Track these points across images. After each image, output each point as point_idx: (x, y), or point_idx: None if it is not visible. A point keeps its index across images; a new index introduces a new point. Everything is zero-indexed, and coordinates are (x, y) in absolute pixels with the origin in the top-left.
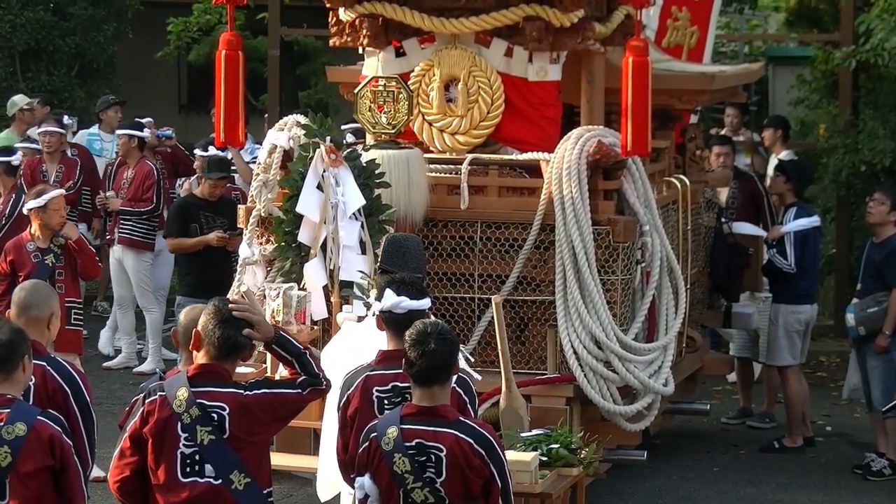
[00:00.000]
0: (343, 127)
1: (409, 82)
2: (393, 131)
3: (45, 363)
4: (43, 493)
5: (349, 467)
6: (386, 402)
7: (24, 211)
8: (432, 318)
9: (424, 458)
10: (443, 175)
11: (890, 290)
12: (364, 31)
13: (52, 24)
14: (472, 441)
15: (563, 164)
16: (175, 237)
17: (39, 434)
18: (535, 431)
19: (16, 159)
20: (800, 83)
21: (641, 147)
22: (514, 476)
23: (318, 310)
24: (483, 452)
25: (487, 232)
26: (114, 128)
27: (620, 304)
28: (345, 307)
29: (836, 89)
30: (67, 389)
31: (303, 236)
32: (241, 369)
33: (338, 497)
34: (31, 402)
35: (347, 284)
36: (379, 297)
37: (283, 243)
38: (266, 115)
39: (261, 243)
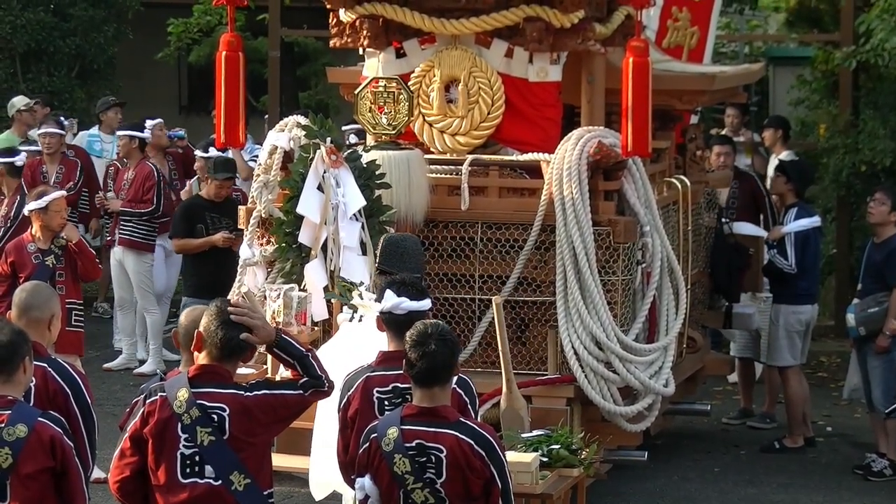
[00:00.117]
0: (345, 128)
1: (409, 83)
2: (393, 132)
3: (45, 364)
4: (44, 494)
5: (350, 468)
6: (386, 403)
7: (25, 212)
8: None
9: (425, 459)
10: (443, 176)
11: (890, 290)
12: (364, 32)
13: (52, 25)
14: (472, 442)
15: (563, 164)
16: (181, 238)
17: (40, 435)
18: (535, 432)
19: (19, 160)
20: (800, 83)
21: (642, 147)
22: (515, 477)
23: (318, 311)
24: (483, 453)
25: (488, 233)
26: (114, 129)
27: (621, 304)
28: (345, 308)
29: (836, 89)
30: (68, 391)
31: (303, 237)
32: (241, 370)
33: (332, 496)
34: (31, 404)
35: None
36: (379, 299)
37: (283, 244)
38: (266, 116)
39: (261, 244)
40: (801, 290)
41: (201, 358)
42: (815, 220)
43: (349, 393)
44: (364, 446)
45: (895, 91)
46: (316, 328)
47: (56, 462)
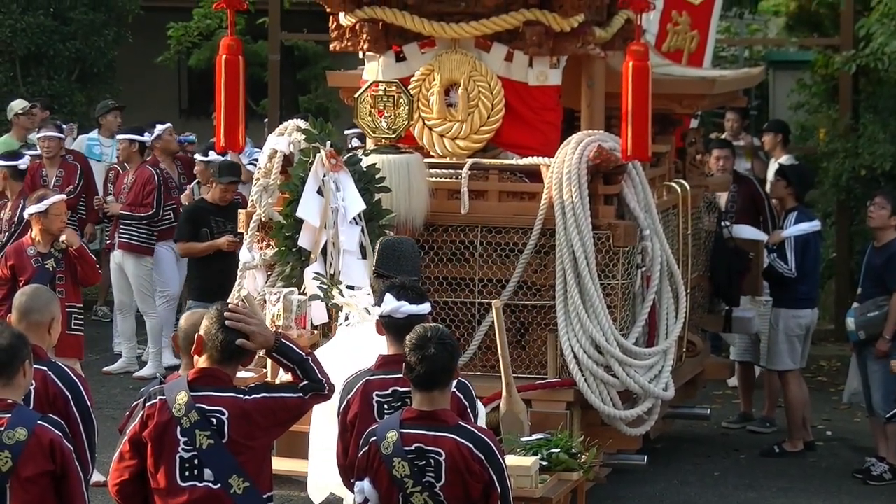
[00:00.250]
0: (347, 132)
1: (409, 87)
2: (393, 136)
3: (45, 368)
4: (44, 498)
5: (349, 472)
6: (386, 406)
7: (25, 215)
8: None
9: (424, 463)
10: (443, 180)
11: (890, 294)
12: (364, 36)
13: (52, 29)
14: (471, 446)
15: (563, 168)
16: (185, 241)
17: (40, 439)
18: (535, 436)
19: (23, 163)
20: (800, 87)
21: (642, 151)
22: (515, 481)
23: (318, 314)
24: (483, 457)
25: (488, 236)
26: (113, 132)
27: (621, 308)
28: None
29: (836, 93)
30: (68, 394)
31: (303, 241)
32: (241, 374)
33: (330, 499)
34: (31, 407)
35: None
36: (378, 302)
37: (283, 248)
38: (266, 120)
39: (261, 248)
40: (801, 294)
41: (201, 361)
42: (815, 225)
43: (349, 396)
44: (363, 450)
45: (895, 95)
46: (316, 331)
47: (56, 465)
